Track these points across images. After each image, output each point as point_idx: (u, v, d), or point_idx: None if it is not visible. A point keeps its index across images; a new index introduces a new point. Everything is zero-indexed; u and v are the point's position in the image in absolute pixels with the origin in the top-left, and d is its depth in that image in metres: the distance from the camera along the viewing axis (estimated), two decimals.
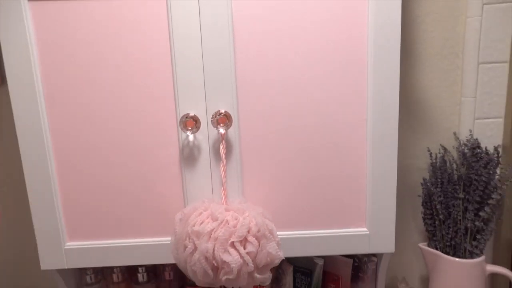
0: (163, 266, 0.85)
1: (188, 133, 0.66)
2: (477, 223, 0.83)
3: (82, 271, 0.85)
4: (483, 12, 0.85)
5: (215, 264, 0.59)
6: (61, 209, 0.72)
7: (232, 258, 0.57)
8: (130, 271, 0.87)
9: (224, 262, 0.58)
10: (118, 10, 0.66)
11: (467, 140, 0.87)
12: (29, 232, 0.98)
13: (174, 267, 0.85)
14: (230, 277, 0.58)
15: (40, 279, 1.01)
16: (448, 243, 0.87)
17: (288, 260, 0.84)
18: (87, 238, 0.73)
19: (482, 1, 0.85)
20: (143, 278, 0.85)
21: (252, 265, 0.59)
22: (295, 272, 0.85)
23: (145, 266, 0.86)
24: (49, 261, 0.73)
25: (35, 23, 0.66)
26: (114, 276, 0.85)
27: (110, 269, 0.85)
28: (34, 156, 0.69)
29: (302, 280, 0.85)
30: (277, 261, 0.62)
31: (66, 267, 0.73)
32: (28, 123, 0.68)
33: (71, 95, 0.68)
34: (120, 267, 0.85)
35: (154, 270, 0.88)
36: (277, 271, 0.84)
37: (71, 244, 0.73)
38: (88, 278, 0.84)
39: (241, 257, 0.58)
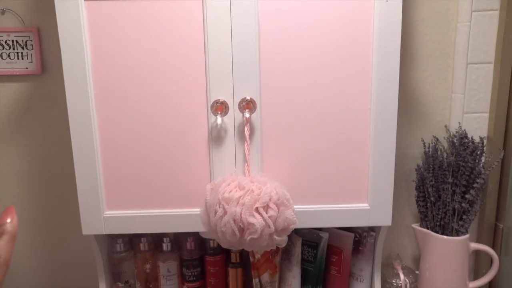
0: (185, 237, 0.95)
1: (218, 116, 0.77)
2: (463, 204, 0.94)
3: (113, 240, 0.94)
4: (471, 18, 0.96)
5: (241, 226, 0.69)
6: (102, 181, 0.82)
7: (256, 220, 0.68)
8: (155, 241, 0.97)
9: (249, 223, 0.68)
10: (160, 10, 0.76)
11: (456, 132, 0.98)
12: (69, 202, 1.08)
13: (195, 238, 0.95)
14: (255, 236, 0.68)
15: (77, 245, 1.10)
16: (438, 223, 0.98)
17: (297, 233, 0.94)
18: (124, 207, 0.83)
19: (471, 9, 0.96)
20: (167, 247, 0.95)
21: (273, 227, 0.69)
22: (302, 244, 0.95)
23: (169, 236, 0.96)
24: (89, 227, 0.83)
25: (89, 19, 0.76)
26: (141, 245, 0.95)
27: (138, 238, 0.95)
28: (82, 136, 0.79)
29: (309, 252, 0.96)
30: (293, 226, 0.73)
31: (104, 233, 0.83)
32: (78, 105, 0.78)
33: (116, 82, 0.79)
34: (147, 237, 0.95)
35: (177, 241, 0.98)
36: (287, 243, 0.94)
37: (109, 212, 0.83)
38: (118, 246, 0.94)
39: (264, 220, 0.68)
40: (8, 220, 0.32)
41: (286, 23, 0.77)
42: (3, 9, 0.98)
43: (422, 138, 1.02)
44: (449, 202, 0.95)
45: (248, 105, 0.77)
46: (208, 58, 0.77)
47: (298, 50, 0.78)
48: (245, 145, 0.77)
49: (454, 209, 0.95)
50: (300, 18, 0.77)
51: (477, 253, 1.06)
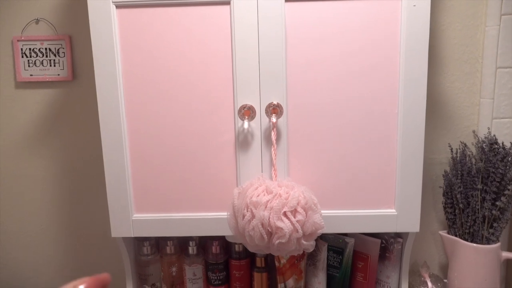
0: (211, 240, 0.96)
1: (245, 121, 0.78)
2: (494, 212, 0.92)
3: (140, 243, 0.96)
4: (501, 21, 0.95)
5: (270, 230, 0.69)
6: (131, 184, 0.84)
7: (284, 224, 0.68)
8: (181, 245, 0.98)
9: (278, 227, 0.68)
10: (190, 18, 0.78)
11: (485, 137, 0.96)
12: (97, 205, 1.10)
13: (221, 241, 0.96)
14: (283, 241, 0.68)
15: (104, 248, 1.13)
16: (466, 231, 0.95)
17: (322, 239, 0.94)
18: (152, 211, 0.85)
19: (500, 12, 0.94)
20: (193, 251, 0.96)
21: (301, 232, 0.69)
22: (328, 250, 0.94)
23: (195, 240, 0.97)
24: (118, 230, 0.85)
25: (120, 26, 0.78)
26: (168, 249, 0.96)
27: (165, 242, 0.96)
28: (112, 140, 0.81)
29: (334, 257, 0.95)
30: (321, 231, 0.73)
31: (132, 235, 0.85)
32: (108, 110, 0.81)
33: (146, 88, 0.81)
34: (173, 240, 0.96)
35: (202, 244, 0.99)
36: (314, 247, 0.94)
37: (137, 215, 0.85)
38: (145, 249, 0.95)
39: (292, 224, 0.69)
40: None
41: (313, 32, 0.78)
42: (37, 19, 1.02)
43: (449, 144, 1.01)
44: (478, 209, 0.93)
45: (275, 109, 0.77)
46: (235, 66, 0.78)
47: (325, 57, 0.78)
48: (272, 149, 0.78)
49: (484, 217, 0.93)
50: (326, 26, 0.77)
51: (508, 262, 1.04)
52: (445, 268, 1.09)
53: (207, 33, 0.78)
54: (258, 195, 0.71)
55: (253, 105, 0.78)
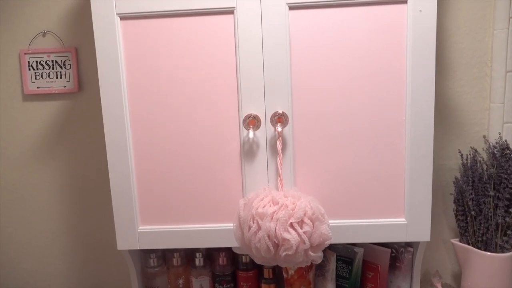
0: (217, 252, 0.95)
1: (250, 130, 0.77)
2: (507, 219, 0.89)
3: (146, 255, 0.95)
4: (509, 24, 0.93)
5: (276, 242, 0.68)
6: (137, 197, 0.83)
7: (291, 236, 0.67)
8: (188, 256, 0.97)
9: (284, 239, 0.67)
10: (193, 29, 0.78)
11: (496, 143, 0.94)
12: (103, 218, 1.10)
13: (228, 253, 0.95)
14: (290, 252, 0.67)
15: (110, 260, 1.12)
16: (479, 239, 0.93)
17: (331, 249, 0.92)
18: (158, 222, 0.84)
19: (509, 15, 0.93)
20: (199, 262, 0.95)
21: (308, 243, 0.68)
22: (337, 260, 0.92)
23: (202, 251, 0.96)
24: (124, 242, 0.84)
25: (124, 37, 0.78)
26: (174, 260, 0.95)
27: (171, 253, 0.95)
28: (117, 152, 0.81)
29: (343, 268, 0.93)
30: (328, 242, 0.71)
31: (138, 248, 0.84)
32: (113, 122, 0.80)
33: (151, 100, 0.81)
34: (180, 252, 0.96)
35: (209, 256, 0.98)
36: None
37: (143, 227, 0.84)
38: (151, 261, 0.95)
39: (299, 235, 0.67)
40: None
41: (318, 39, 0.77)
42: (44, 32, 1.03)
43: (459, 150, 0.99)
44: (491, 216, 0.91)
45: (280, 118, 0.76)
46: (239, 75, 0.78)
47: (330, 64, 0.77)
48: (278, 159, 0.77)
49: (497, 224, 0.90)
50: (331, 33, 0.77)
51: None
52: (458, 277, 1.06)
53: (211, 43, 0.78)
54: (264, 206, 0.70)
55: (258, 115, 0.77)
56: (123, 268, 1.09)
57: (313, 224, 0.69)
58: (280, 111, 0.77)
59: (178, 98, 0.80)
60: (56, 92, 1.05)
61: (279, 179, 0.77)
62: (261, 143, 0.79)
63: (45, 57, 1.04)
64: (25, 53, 1.04)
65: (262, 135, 0.79)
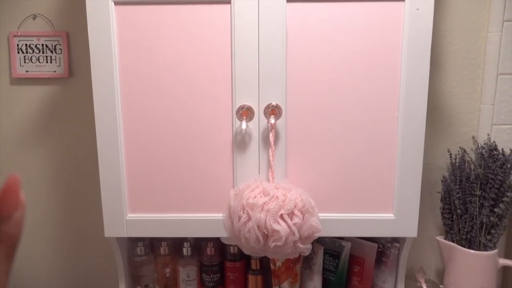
0: (206, 242, 0.94)
1: (243, 122, 0.77)
2: (492, 218, 0.91)
3: (134, 243, 0.94)
4: (503, 28, 0.94)
5: (266, 233, 0.68)
6: (126, 184, 0.82)
7: (281, 227, 0.67)
8: (176, 246, 0.97)
9: (274, 230, 0.67)
10: (188, 16, 0.77)
11: (485, 143, 0.95)
12: (91, 205, 1.08)
13: (216, 243, 0.94)
14: (279, 243, 0.67)
15: (97, 248, 1.11)
16: (464, 237, 0.95)
17: (318, 242, 0.92)
18: (146, 211, 0.84)
19: (503, 18, 0.94)
20: (187, 252, 0.94)
21: (298, 235, 0.68)
22: (324, 253, 0.93)
23: (190, 241, 0.95)
24: (112, 229, 0.83)
25: (118, 23, 0.77)
26: (162, 249, 0.95)
27: (159, 242, 0.95)
28: (107, 139, 0.80)
29: (330, 261, 0.94)
30: (317, 234, 0.71)
31: (126, 236, 0.83)
32: (104, 109, 0.79)
33: (143, 88, 0.80)
34: (167, 241, 0.95)
35: (197, 246, 0.97)
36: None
37: (131, 215, 0.84)
38: (138, 249, 0.94)
39: (289, 227, 0.67)
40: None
41: (315, 33, 0.77)
42: (34, 14, 1.01)
43: (448, 149, 1.00)
44: (476, 215, 0.92)
45: (273, 111, 0.76)
46: (234, 65, 0.77)
47: (326, 58, 0.77)
48: (270, 151, 0.77)
49: (482, 223, 0.92)
50: (328, 28, 0.77)
51: (505, 269, 1.03)
52: (441, 274, 1.08)
53: (207, 32, 0.77)
54: (254, 197, 0.69)
55: (251, 106, 0.77)
56: (110, 256, 1.08)
57: (303, 216, 0.69)
58: (274, 103, 0.77)
59: (171, 86, 0.79)
60: (46, 77, 1.03)
61: (270, 171, 0.77)
62: (253, 134, 0.79)
63: (35, 41, 1.02)
64: (14, 36, 1.01)
65: (255, 126, 0.79)
